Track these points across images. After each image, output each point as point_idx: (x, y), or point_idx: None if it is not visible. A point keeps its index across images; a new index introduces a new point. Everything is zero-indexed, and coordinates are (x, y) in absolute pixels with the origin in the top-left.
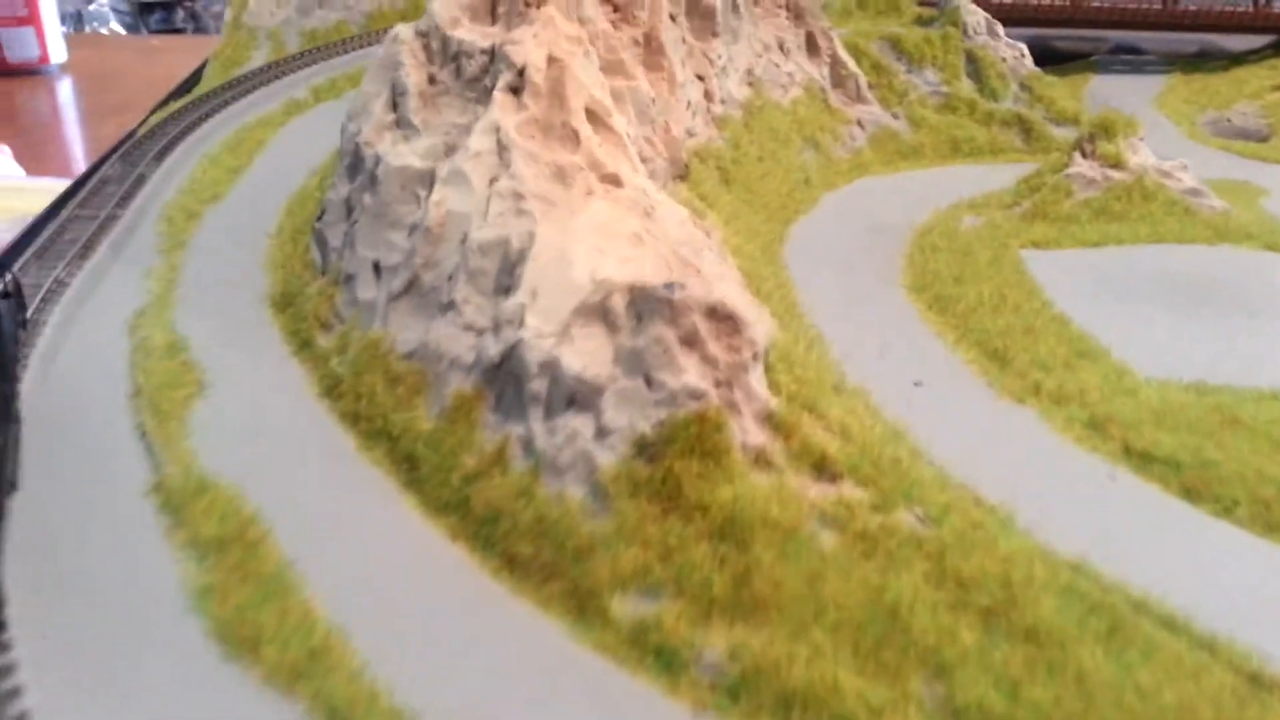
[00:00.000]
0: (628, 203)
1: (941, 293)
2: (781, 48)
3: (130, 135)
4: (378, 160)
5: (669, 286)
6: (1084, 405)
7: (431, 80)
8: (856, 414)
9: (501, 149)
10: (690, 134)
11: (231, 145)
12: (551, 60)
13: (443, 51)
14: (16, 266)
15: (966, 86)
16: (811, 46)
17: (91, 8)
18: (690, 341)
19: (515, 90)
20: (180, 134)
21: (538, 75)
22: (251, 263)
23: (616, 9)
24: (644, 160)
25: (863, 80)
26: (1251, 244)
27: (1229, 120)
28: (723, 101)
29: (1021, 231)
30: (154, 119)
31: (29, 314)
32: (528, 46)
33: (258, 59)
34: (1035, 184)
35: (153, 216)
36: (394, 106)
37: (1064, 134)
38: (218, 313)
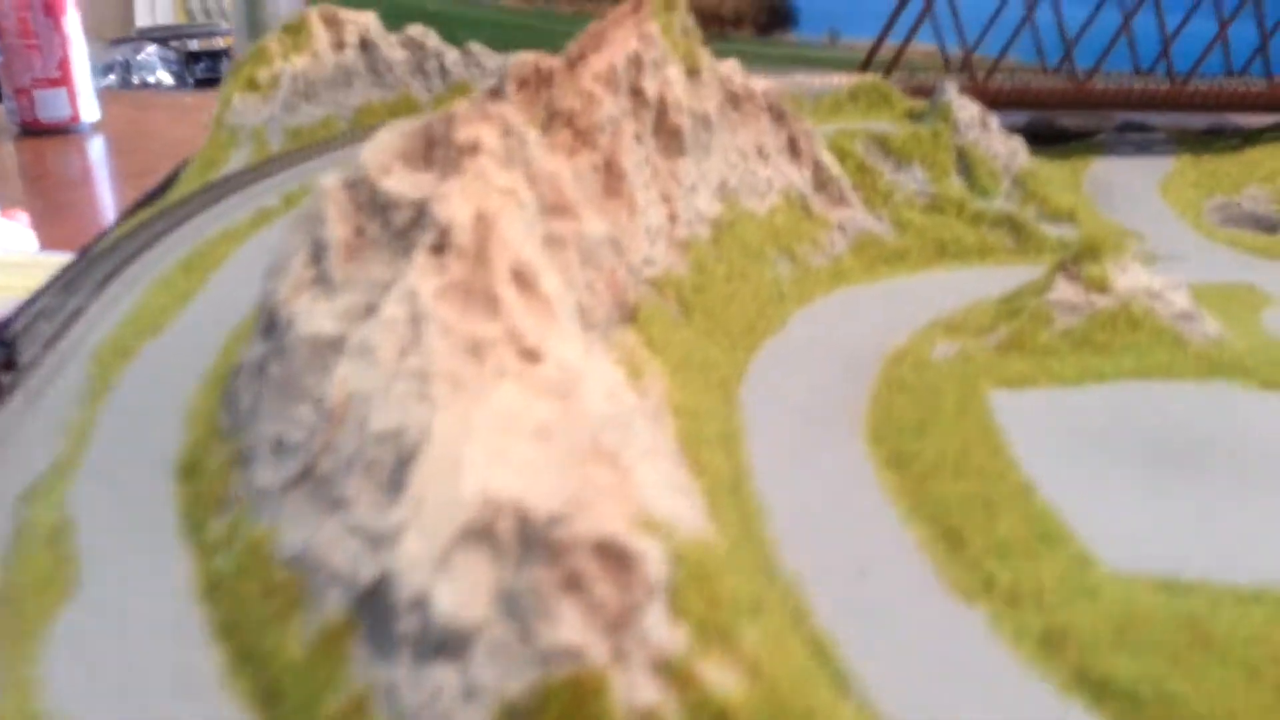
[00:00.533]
0: (543, 384)
1: (900, 448)
2: (760, 153)
3: (86, 250)
4: (290, 323)
5: (551, 520)
6: (1040, 610)
7: (360, 231)
8: (777, 635)
9: (415, 319)
10: (649, 263)
11: (186, 264)
12: (479, 217)
13: (371, 202)
14: None
15: (956, 185)
16: (793, 149)
17: (140, 57)
18: (573, 585)
19: (438, 250)
20: (134, 253)
21: (462, 234)
22: (172, 416)
23: (577, 133)
24: (585, 312)
25: (846, 183)
26: (1246, 380)
27: (1239, 205)
28: (688, 223)
29: (994, 367)
30: (119, 230)
31: None
32: (453, 202)
33: (237, 160)
34: (1015, 306)
35: (84, 355)
36: (316, 261)
37: (1058, 232)
38: (117, 483)
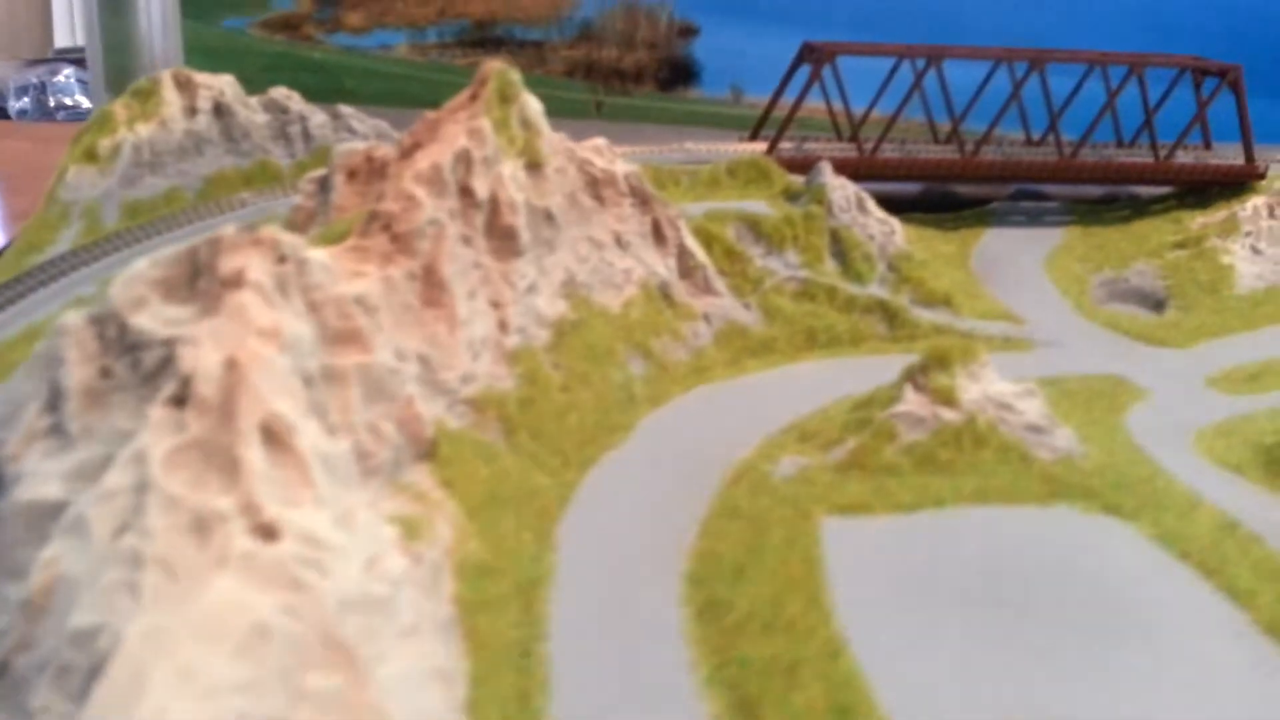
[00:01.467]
0: (273, 569)
1: (715, 595)
2: (619, 241)
3: None
4: (13, 483)
5: None
6: None
7: (105, 373)
8: None
9: (140, 488)
10: (469, 381)
11: None
12: (229, 365)
13: (120, 341)
14: None
15: (830, 269)
16: (658, 235)
17: (57, 79)
18: None
19: (179, 402)
20: None
21: (207, 385)
22: None
23: (395, 238)
24: (364, 457)
25: (711, 270)
26: (1088, 504)
27: (1127, 281)
28: (522, 329)
29: (833, 490)
30: None
31: None
32: (202, 348)
33: (66, 240)
34: (864, 417)
35: None
36: (52, 409)
37: (933, 317)
38: None
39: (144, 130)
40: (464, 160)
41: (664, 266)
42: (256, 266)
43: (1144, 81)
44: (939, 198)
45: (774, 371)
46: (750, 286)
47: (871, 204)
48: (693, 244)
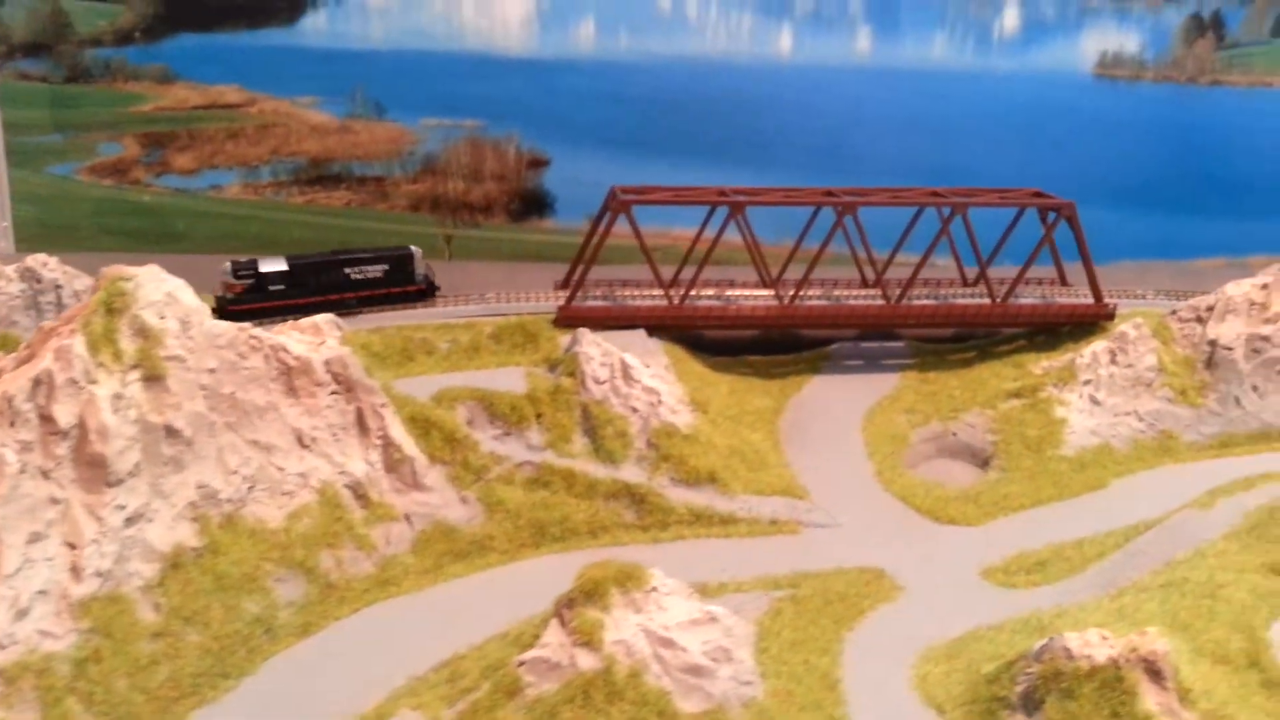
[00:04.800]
0: None
1: None
2: (301, 440)
3: None
4: None
5: None
6: None
7: None
8: None
9: None
10: (6, 644)
11: None
12: None
13: None
14: None
15: (579, 448)
16: (362, 427)
17: None
18: None
19: None
20: None
21: None
22: None
23: None
24: None
25: (422, 462)
26: None
27: (954, 435)
28: (102, 574)
29: None
30: None
31: None
32: None
33: None
34: (498, 661)
35: None
36: None
37: (692, 500)
38: None
39: None
40: (46, 385)
41: (364, 461)
42: None
43: (968, 220)
44: (780, 337)
45: (479, 578)
46: (472, 477)
47: (639, 371)
48: (401, 434)
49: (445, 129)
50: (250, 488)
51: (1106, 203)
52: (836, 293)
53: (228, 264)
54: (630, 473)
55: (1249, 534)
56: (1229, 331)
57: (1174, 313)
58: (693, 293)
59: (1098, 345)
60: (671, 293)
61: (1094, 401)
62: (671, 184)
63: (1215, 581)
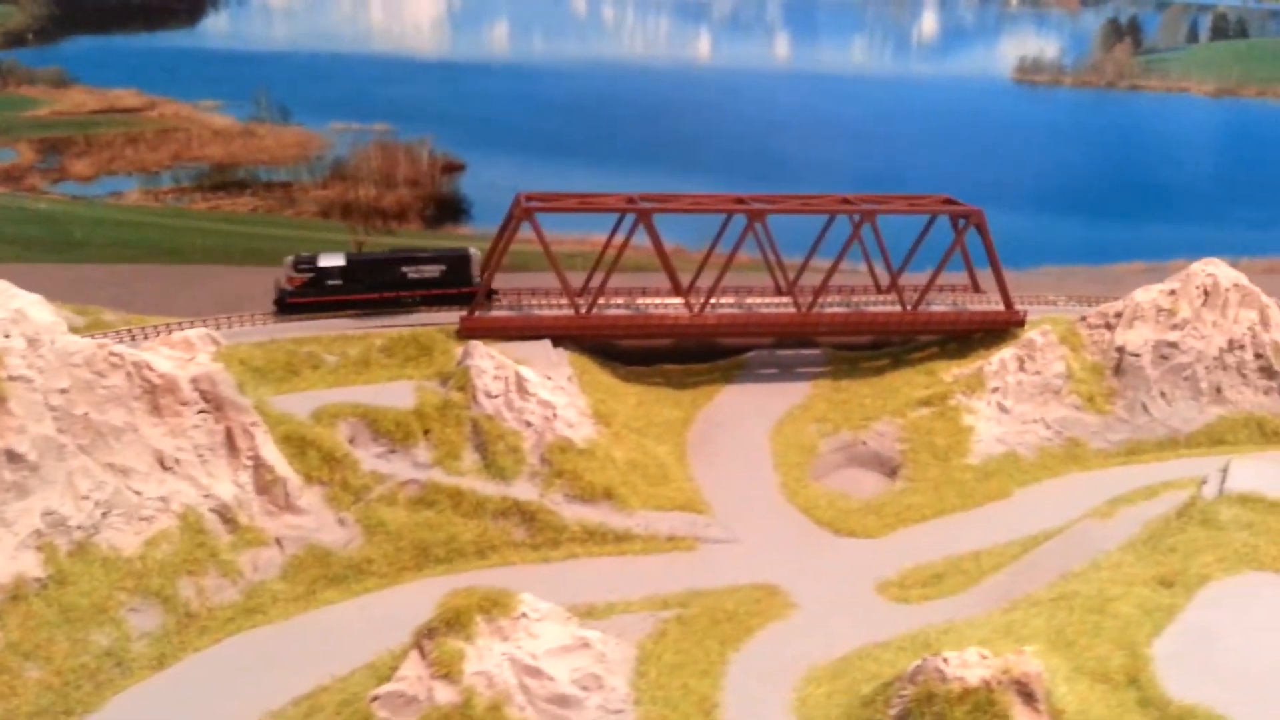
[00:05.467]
0: None
1: None
2: (163, 462)
3: None
4: None
5: None
6: None
7: None
8: None
9: None
10: None
11: None
12: None
13: None
14: None
15: (469, 465)
16: (231, 447)
17: None
18: None
19: None
20: None
21: None
22: None
23: None
24: None
25: (295, 484)
26: None
27: (864, 444)
28: None
29: None
30: None
31: None
32: None
33: None
34: (351, 695)
35: None
36: None
37: (586, 517)
38: None
39: None
40: None
41: (232, 484)
42: None
43: (876, 228)
44: (697, 345)
45: (354, 604)
46: (351, 497)
47: (535, 384)
48: (273, 454)
49: (354, 133)
50: (104, 514)
51: (1028, 207)
52: (749, 301)
53: (290, 257)
54: (522, 490)
55: (1145, 545)
56: (1136, 338)
57: (1084, 319)
58: (602, 301)
59: (1006, 353)
60: (580, 301)
61: (1002, 409)
62: (592, 188)
63: (1104, 595)
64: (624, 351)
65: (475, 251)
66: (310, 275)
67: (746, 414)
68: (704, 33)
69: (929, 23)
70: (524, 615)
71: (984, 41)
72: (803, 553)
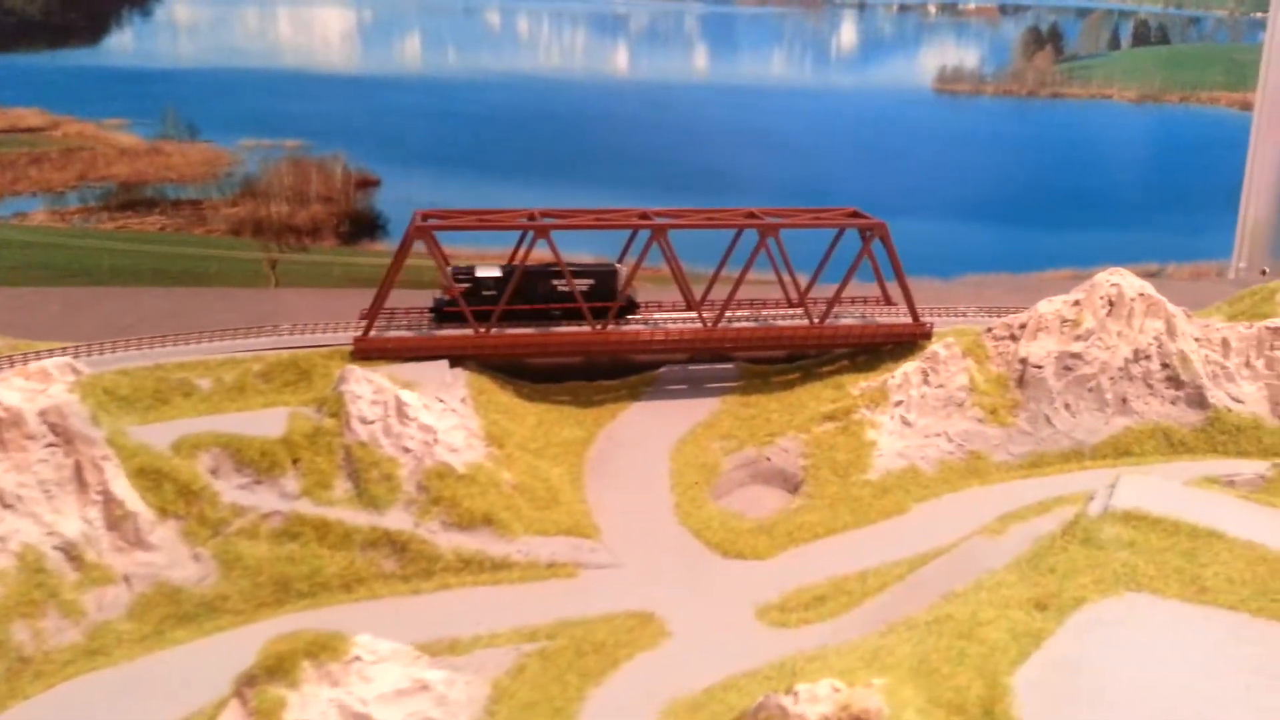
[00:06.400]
0: None
1: None
2: (3, 500)
3: None
4: None
5: None
6: None
7: None
8: None
9: None
10: None
11: None
12: None
13: None
14: None
15: (341, 494)
16: (80, 481)
17: None
18: None
19: None
20: None
21: None
22: None
23: None
24: None
25: (147, 518)
26: None
27: (768, 460)
28: None
29: None
30: None
31: None
32: None
33: None
34: None
35: None
36: None
37: (463, 545)
38: None
39: None
40: None
41: (80, 520)
42: None
43: (780, 242)
44: (610, 362)
45: (204, 644)
46: (208, 532)
47: (416, 409)
48: (124, 488)
49: (265, 149)
50: None
51: (953, 217)
52: (656, 316)
53: (449, 267)
54: (396, 519)
55: (1028, 564)
56: (1040, 350)
57: (990, 331)
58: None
59: (909, 366)
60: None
61: (905, 423)
62: (510, 202)
63: (976, 619)
64: (536, 369)
65: (622, 267)
66: (467, 285)
67: (650, 432)
68: (621, 45)
69: (848, 34)
70: (357, 658)
71: (904, 52)
72: (686, 577)
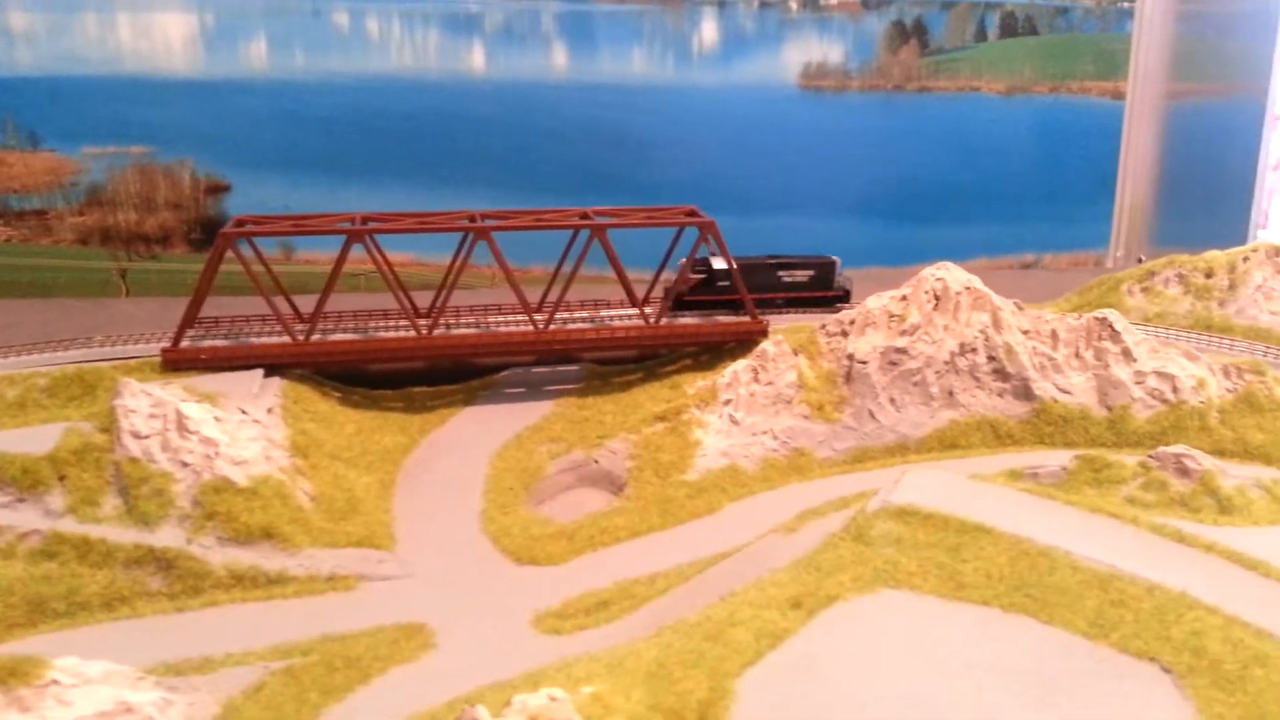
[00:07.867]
0: None
1: None
2: None
3: None
4: None
5: None
6: None
7: None
8: None
9: None
10: None
11: None
12: None
13: None
14: None
15: (110, 510)
16: None
17: None
18: None
19: None
20: None
21: None
22: None
23: None
24: None
25: None
26: None
27: (596, 463)
28: None
29: None
30: None
31: None
32: None
33: None
34: None
35: None
36: None
37: (236, 560)
38: None
39: None
40: None
41: None
42: None
43: (605, 241)
44: (452, 367)
45: None
46: None
47: (199, 422)
48: None
49: (110, 157)
50: None
51: (825, 212)
52: (489, 320)
53: (684, 260)
54: (167, 535)
55: (804, 562)
56: (866, 345)
57: (823, 327)
58: (327, 327)
59: (739, 364)
60: (300, 327)
61: (733, 421)
62: (363, 204)
63: (731, 620)
64: (373, 376)
65: (838, 259)
66: (704, 276)
67: (476, 437)
68: (477, 45)
69: (709, 31)
70: (54, 682)
71: (766, 49)
72: (471, 586)
